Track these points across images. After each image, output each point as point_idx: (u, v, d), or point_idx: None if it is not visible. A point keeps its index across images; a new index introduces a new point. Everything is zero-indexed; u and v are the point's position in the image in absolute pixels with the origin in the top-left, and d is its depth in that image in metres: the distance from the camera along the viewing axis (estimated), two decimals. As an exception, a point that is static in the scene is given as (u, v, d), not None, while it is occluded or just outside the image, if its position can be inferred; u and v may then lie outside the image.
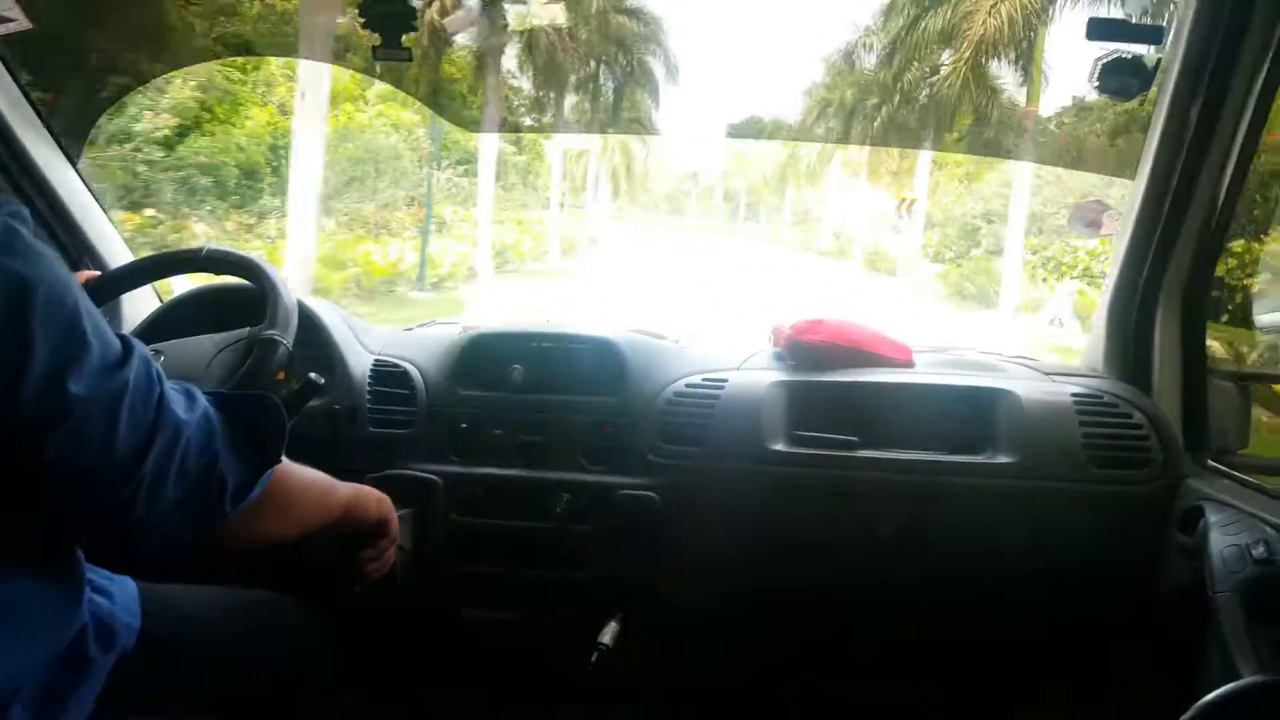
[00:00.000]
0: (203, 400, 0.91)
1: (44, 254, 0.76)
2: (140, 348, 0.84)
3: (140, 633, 1.10)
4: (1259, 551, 1.34)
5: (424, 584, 1.74)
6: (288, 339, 1.48)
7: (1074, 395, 1.70)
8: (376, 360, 1.86)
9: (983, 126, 16.32)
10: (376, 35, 1.48)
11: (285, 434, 1.01)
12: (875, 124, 18.93)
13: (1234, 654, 1.31)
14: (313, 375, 1.50)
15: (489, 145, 17.82)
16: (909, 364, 1.83)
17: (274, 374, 1.44)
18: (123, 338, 0.83)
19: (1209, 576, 1.40)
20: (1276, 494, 1.43)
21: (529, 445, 1.80)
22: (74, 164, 1.91)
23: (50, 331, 0.74)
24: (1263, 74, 1.46)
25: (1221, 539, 1.42)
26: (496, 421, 1.81)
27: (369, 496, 1.23)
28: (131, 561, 1.17)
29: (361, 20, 1.46)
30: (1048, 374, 1.80)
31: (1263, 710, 0.72)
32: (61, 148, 1.87)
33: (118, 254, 1.99)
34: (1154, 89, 1.56)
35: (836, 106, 21.17)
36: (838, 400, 1.76)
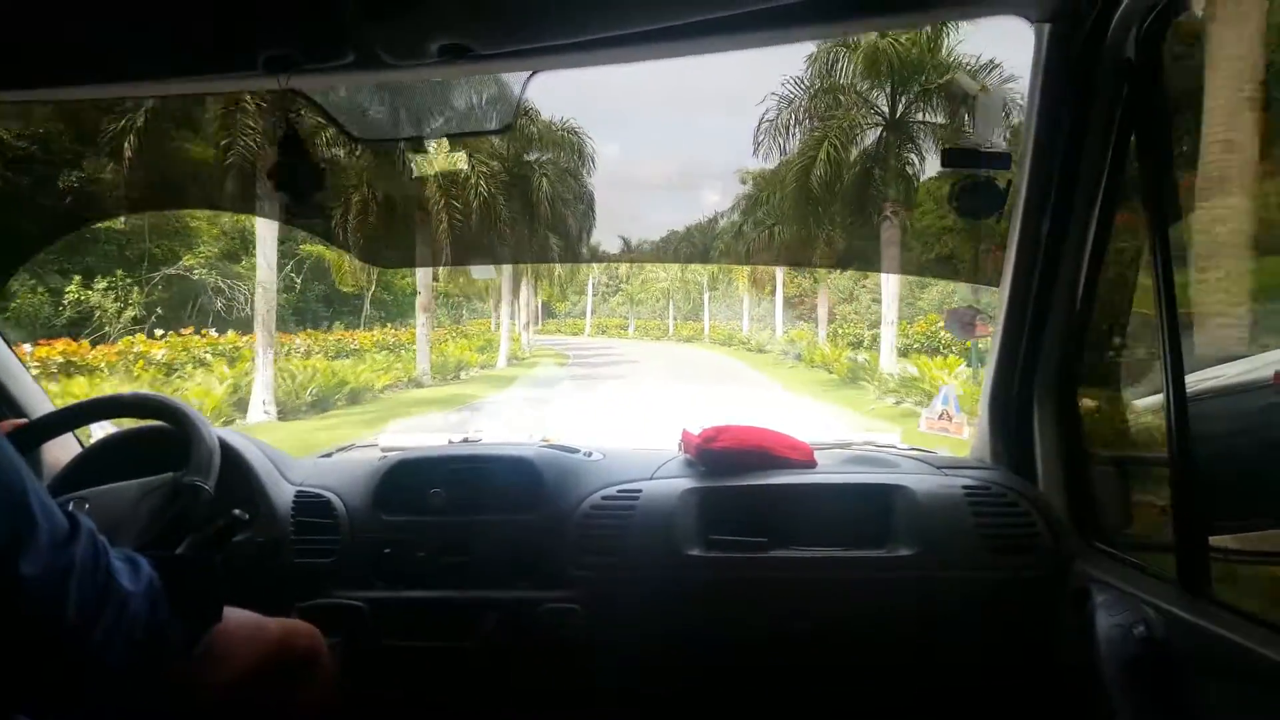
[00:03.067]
0: (146, 568, 0.92)
1: None
2: (85, 521, 0.85)
3: None
4: (1139, 631, 1.38)
5: (353, 710, 1.69)
6: (210, 483, 1.49)
7: (965, 488, 1.77)
8: (298, 491, 1.85)
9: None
10: (287, 196, 1.53)
11: (224, 595, 1.02)
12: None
13: None
14: (236, 511, 1.50)
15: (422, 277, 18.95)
16: (811, 463, 1.89)
17: (199, 518, 1.44)
18: (68, 514, 0.84)
19: (1097, 655, 1.45)
20: (1155, 573, 1.48)
21: (452, 566, 1.80)
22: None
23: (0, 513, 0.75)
24: (1101, 189, 1.60)
25: (1107, 619, 1.47)
26: (420, 544, 1.81)
27: (299, 630, 1.23)
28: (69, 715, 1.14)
29: (273, 184, 1.51)
30: (940, 467, 1.87)
31: None
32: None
33: (35, 401, 1.96)
34: (1007, 207, 1.69)
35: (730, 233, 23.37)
36: (746, 503, 1.80)
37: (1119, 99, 1.50)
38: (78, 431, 2.01)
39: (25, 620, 0.78)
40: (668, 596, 1.73)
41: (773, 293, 29.44)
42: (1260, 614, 1.23)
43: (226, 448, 1.68)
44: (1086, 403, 1.84)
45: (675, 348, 33.13)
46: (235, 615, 1.10)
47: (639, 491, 1.81)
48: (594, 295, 44.72)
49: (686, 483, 1.82)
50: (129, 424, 1.82)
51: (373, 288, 23.48)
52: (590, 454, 1.97)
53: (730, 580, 1.73)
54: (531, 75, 1.52)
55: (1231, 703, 1.23)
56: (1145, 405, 1.93)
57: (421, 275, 18.85)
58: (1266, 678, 1.14)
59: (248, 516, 1.58)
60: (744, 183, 22.07)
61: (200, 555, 1.17)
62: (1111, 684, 1.40)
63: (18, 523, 0.77)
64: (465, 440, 2.09)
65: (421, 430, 2.22)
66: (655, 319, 42.28)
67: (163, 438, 1.65)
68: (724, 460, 1.86)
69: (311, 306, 23.66)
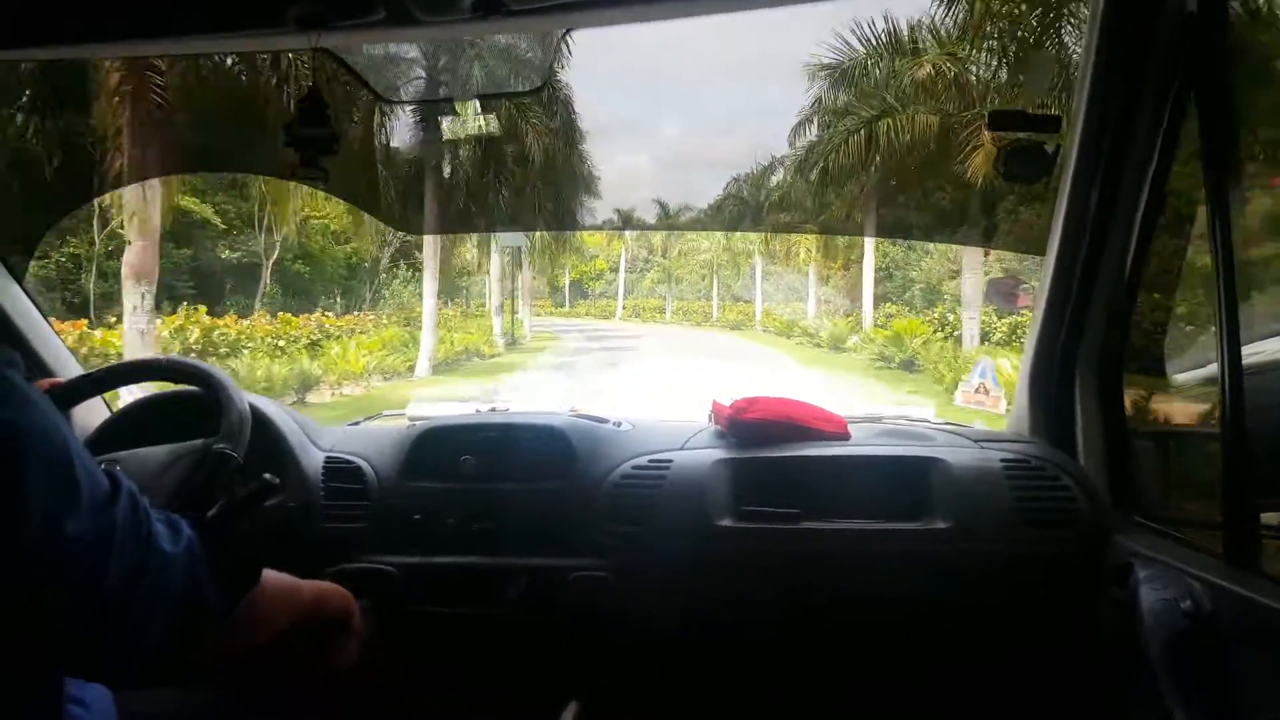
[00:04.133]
0: (186, 530, 0.91)
1: (36, 401, 0.77)
2: (127, 483, 0.84)
3: None
4: (1186, 605, 1.35)
5: (382, 675, 1.70)
6: (239, 451, 1.48)
7: (1003, 461, 1.72)
8: (328, 457, 1.85)
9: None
10: (296, 155, 1.51)
11: (261, 560, 1.01)
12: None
13: (1169, 705, 1.32)
14: (267, 476, 1.48)
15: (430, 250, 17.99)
16: (845, 435, 1.85)
17: (227, 485, 1.44)
18: (110, 474, 0.83)
19: (1141, 631, 1.42)
20: (1198, 546, 1.45)
21: (482, 533, 1.78)
22: (19, 280, 1.89)
23: (44, 477, 0.74)
24: (1155, 157, 1.53)
25: (1151, 594, 1.43)
26: (449, 511, 1.79)
27: (331, 592, 1.22)
28: (107, 673, 1.15)
29: (285, 140, 1.48)
30: (977, 441, 1.82)
31: None
32: (5, 264, 1.85)
33: (65, 364, 1.96)
34: (1056, 172, 1.63)
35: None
36: (779, 475, 1.77)
37: (1179, 57, 1.43)
38: (106, 397, 2.01)
39: (69, 583, 0.77)
40: (698, 566, 1.71)
41: (846, 267, 24.20)
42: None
43: (257, 413, 1.68)
44: (1130, 377, 1.79)
45: (715, 336, 26.87)
46: (270, 576, 1.09)
47: (670, 461, 1.78)
48: (628, 271, 39.02)
49: (718, 453, 1.79)
50: (158, 389, 1.81)
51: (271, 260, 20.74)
52: (620, 424, 1.94)
53: (762, 551, 1.71)
54: (566, 33, 1.48)
55: None
56: (1189, 379, 1.88)
57: (430, 249, 17.52)
58: None
59: (278, 481, 1.57)
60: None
61: (238, 519, 1.16)
62: (1157, 659, 1.36)
63: (63, 483, 0.76)
64: (493, 410, 2.07)
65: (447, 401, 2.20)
66: (699, 299, 35.42)
67: (193, 403, 1.64)
68: (756, 431, 1.82)
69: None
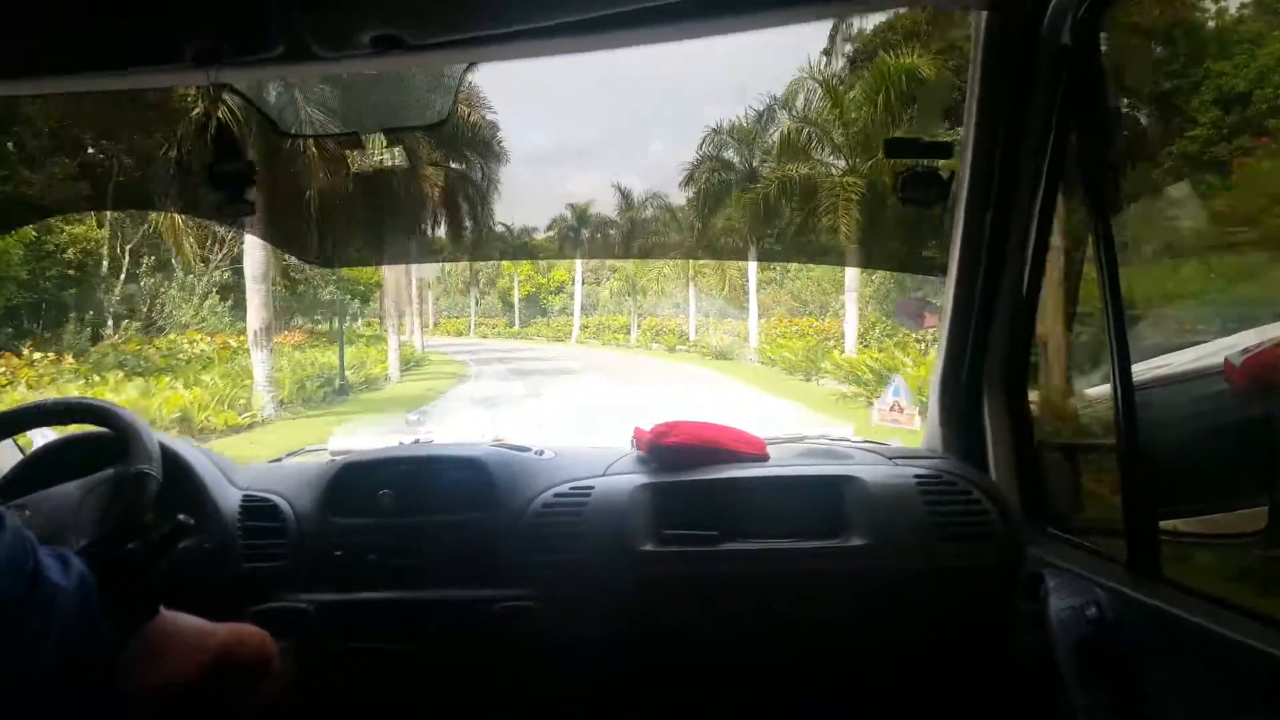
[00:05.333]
0: (77, 563, 0.88)
1: None
2: (9, 517, 0.82)
3: None
4: (1091, 613, 1.37)
5: (306, 714, 1.65)
6: (156, 472, 1.42)
7: (916, 477, 1.74)
8: (245, 496, 1.80)
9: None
10: (221, 193, 1.49)
11: (159, 587, 0.98)
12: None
13: (1077, 710, 1.34)
14: (181, 517, 1.44)
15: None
16: (764, 456, 1.86)
17: (148, 509, 1.37)
18: None
19: (1051, 639, 1.43)
20: (1105, 555, 1.48)
21: (404, 567, 1.75)
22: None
23: None
24: (1042, 179, 1.59)
25: (1059, 602, 1.46)
26: (370, 547, 1.76)
27: (248, 634, 1.19)
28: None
29: (207, 180, 1.46)
30: (892, 458, 1.85)
31: None
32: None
33: None
34: (951, 198, 1.68)
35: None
36: (699, 497, 1.77)
37: (1058, 86, 1.49)
38: (20, 442, 1.94)
39: None
40: (622, 592, 1.70)
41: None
42: (1208, 591, 1.22)
43: (167, 451, 1.62)
44: (1037, 390, 1.83)
45: (690, 370, 21.25)
46: (179, 620, 1.07)
47: (591, 488, 1.77)
48: (585, 283, 33.72)
49: (639, 479, 1.79)
50: (68, 432, 1.75)
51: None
52: (542, 452, 1.93)
53: (684, 575, 1.70)
54: (469, 67, 1.48)
55: (1183, 678, 1.22)
56: (1096, 394, 1.93)
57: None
58: (1216, 653, 1.12)
59: (193, 522, 1.52)
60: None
61: (133, 550, 1.11)
62: (1065, 665, 1.39)
63: None
64: (417, 442, 2.04)
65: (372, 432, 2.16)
66: (675, 314, 29.22)
67: (104, 443, 1.58)
68: (676, 455, 1.82)
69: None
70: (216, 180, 1.48)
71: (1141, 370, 1.55)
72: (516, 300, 37.46)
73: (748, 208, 19.26)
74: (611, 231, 26.57)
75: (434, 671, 1.75)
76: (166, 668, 1.01)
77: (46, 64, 1.48)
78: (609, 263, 33.75)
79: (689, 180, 21.50)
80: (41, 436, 1.91)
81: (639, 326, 30.32)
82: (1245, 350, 1.80)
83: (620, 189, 25.83)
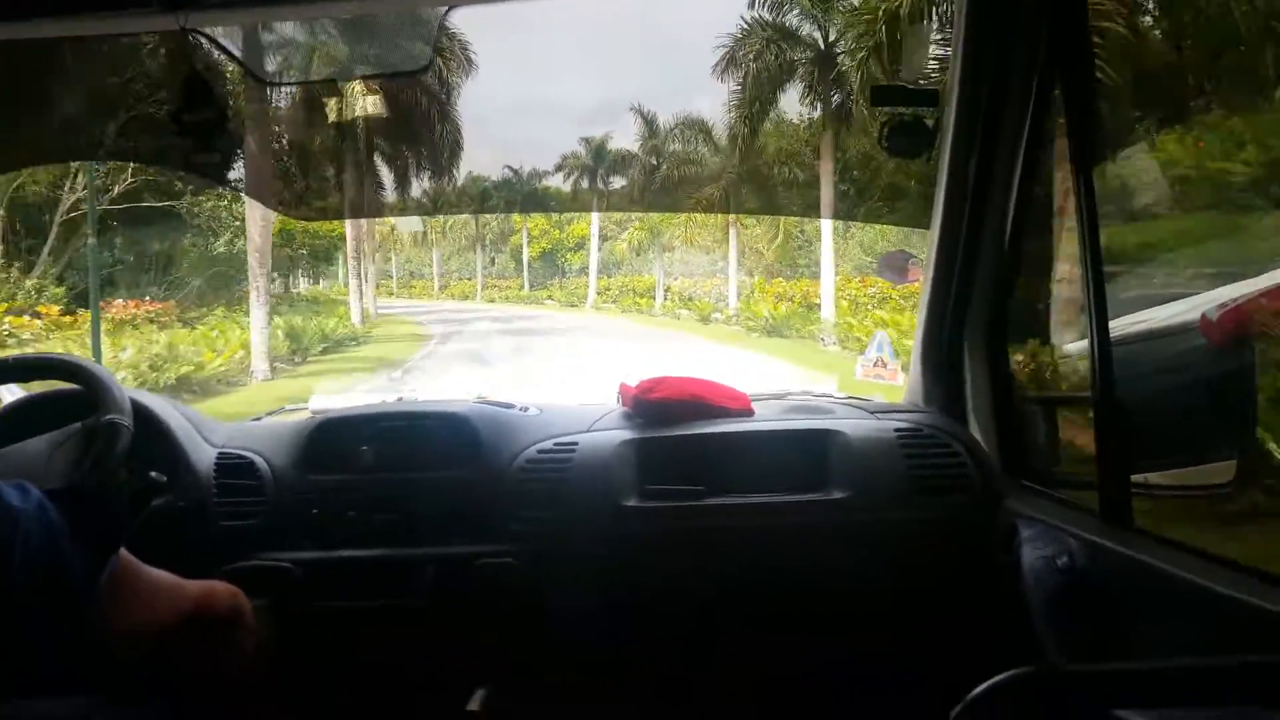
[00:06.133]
0: (35, 492, 0.87)
1: None
2: None
3: None
4: (1063, 561, 1.40)
5: (285, 673, 1.65)
6: (128, 422, 1.39)
7: (897, 430, 1.75)
8: (220, 453, 1.78)
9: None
10: (189, 141, 1.44)
11: (124, 521, 0.97)
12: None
13: (1049, 655, 1.37)
14: (153, 474, 1.42)
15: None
16: (749, 412, 1.86)
17: (120, 459, 1.34)
18: None
19: (1023, 588, 1.46)
20: (1079, 507, 1.50)
21: (385, 524, 1.74)
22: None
23: None
24: (1025, 132, 1.58)
25: (1032, 552, 1.48)
26: (350, 504, 1.74)
27: (220, 591, 1.17)
28: None
29: (175, 129, 1.42)
30: (874, 412, 1.85)
31: (1027, 698, 0.75)
32: None
33: None
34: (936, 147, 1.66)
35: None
36: (684, 452, 1.77)
37: (1042, 33, 1.47)
38: None
39: None
40: (606, 548, 1.70)
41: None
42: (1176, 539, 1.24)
43: (140, 408, 1.59)
44: (1017, 346, 1.84)
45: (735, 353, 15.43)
46: (150, 572, 1.05)
47: (575, 444, 1.77)
48: (602, 238, 27.86)
49: (624, 434, 1.79)
50: (36, 389, 1.73)
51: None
52: (526, 409, 1.91)
53: (668, 530, 1.71)
54: (448, 10, 1.44)
55: (1151, 622, 1.25)
56: (1072, 348, 1.94)
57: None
58: (1183, 597, 1.15)
59: (165, 479, 1.50)
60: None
61: (94, 489, 1.10)
62: (1036, 613, 1.41)
63: None
64: (400, 400, 2.02)
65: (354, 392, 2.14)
66: (712, 275, 23.96)
67: (71, 401, 1.56)
68: (661, 411, 1.82)
69: None
70: (185, 129, 1.44)
71: (1122, 325, 1.56)
72: (525, 259, 32.41)
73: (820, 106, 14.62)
74: (633, 171, 21.99)
75: (416, 628, 1.74)
76: (135, 615, 1.00)
77: (6, 7, 1.42)
78: (629, 206, 26.40)
79: (728, 65, 16.04)
80: (9, 393, 1.88)
81: (665, 290, 24.73)
82: (1222, 306, 1.81)
83: (642, 113, 21.13)
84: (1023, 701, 0.75)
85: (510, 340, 19.04)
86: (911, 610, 1.72)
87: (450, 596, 1.70)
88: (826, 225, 17.11)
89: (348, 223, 18.53)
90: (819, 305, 17.11)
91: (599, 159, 23.49)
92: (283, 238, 17.47)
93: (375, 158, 15.88)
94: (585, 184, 24.16)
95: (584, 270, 29.25)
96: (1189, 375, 1.79)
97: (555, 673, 1.76)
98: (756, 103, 16.06)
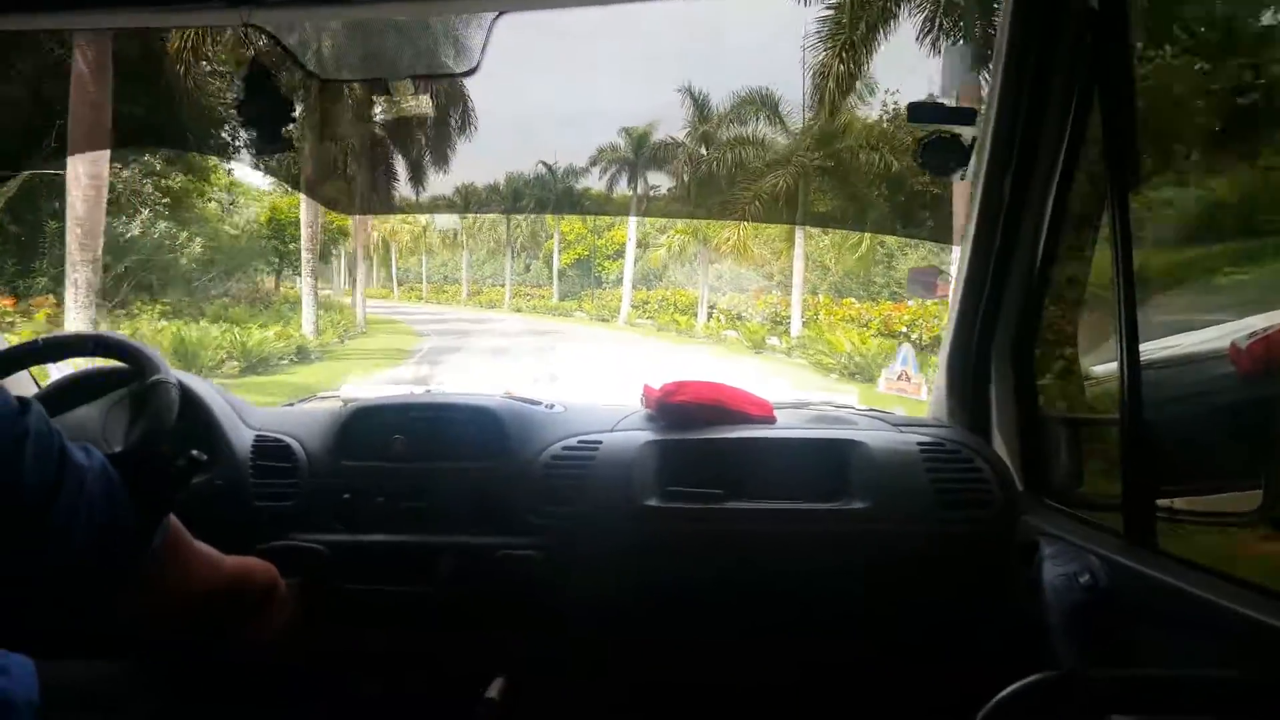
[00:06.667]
0: (98, 454, 0.90)
1: None
2: (35, 404, 0.83)
3: (39, 710, 1.05)
4: (1084, 580, 1.40)
5: (311, 653, 1.68)
6: (174, 380, 1.41)
7: (920, 444, 1.76)
8: (258, 436, 1.82)
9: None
10: (254, 131, 1.49)
11: (176, 484, 1.01)
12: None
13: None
14: (194, 452, 1.45)
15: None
16: (770, 419, 1.87)
17: (172, 414, 1.35)
18: (17, 396, 0.83)
19: (1043, 605, 1.46)
20: (1101, 525, 1.50)
21: (412, 511, 1.77)
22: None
23: None
24: (1063, 149, 1.58)
25: (1053, 569, 1.48)
26: (380, 490, 1.78)
27: (256, 566, 1.23)
28: (31, 632, 1.12)
29: (240, 119, 1.46)
30: (897, 425, 1.85)
31: (1054, 702, 0.76)
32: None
33: None
34: (971, 164, 1.67)
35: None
36: (705, 456, 1.78)
37: (1083, 53, 1.47)
38: (37, 376, 1.96)
39: None
40: (626, 545, 1.72)
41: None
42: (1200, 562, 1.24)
43: (186, 391, 1.64)
44: (1044, 364, 1.84)
45: None
46: (193, 545, 1.08)
47: (599, 443, 1.79)
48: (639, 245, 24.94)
49: (646, 435, 1.81)
50: (85, 366, 1.77)
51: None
52: (552, 406, 1.94)
53: (687, 531, 1.72)
54: (498, 15, 1.47)
55: (1175, 645, 1.24)
56: (1100, 368, 1.94)
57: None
58: (1206, 619, 1.14)
59: (206, 458, 1.54)
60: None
61: (148, 442, 1.14)
62: (1056, 631, 1.41)
63: None
64: (428, 391, 2.06)
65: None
66: (775, 289, 20.99)
67: (116, 376, 1.60)
68: (683, 414, 1.84)
69: None
70: (251, 120, 1.48)
71: (1151, 349, 1.56)
72: (556, 266, 30.02)
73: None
74: (679, 164, 18.89)
75: (437, 615, 1.77)
76: (180, 583, 1.04)
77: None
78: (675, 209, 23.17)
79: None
80: (57, 370, 1.93)
81: (710, 307, 20.67)
82: (1252, 334, 1.80)
83: (693, 94, 18.08)
84: (1048, 707, 0.75)
85: (511, 361, 17.26)
86: (929, 622, 1.72)
87: (472, 585, 1.73)
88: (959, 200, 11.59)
89: (303, 215, 16.35)
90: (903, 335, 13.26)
91: (639, 151, 20.51)
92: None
93: (397, 152, 15.68)
94: (624, 181, 21.25)
95: (620, 281, 26.14)
96: (1216, 402, 1.79)
97: (572, 666, 1.78)
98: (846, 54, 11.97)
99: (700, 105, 17.88)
